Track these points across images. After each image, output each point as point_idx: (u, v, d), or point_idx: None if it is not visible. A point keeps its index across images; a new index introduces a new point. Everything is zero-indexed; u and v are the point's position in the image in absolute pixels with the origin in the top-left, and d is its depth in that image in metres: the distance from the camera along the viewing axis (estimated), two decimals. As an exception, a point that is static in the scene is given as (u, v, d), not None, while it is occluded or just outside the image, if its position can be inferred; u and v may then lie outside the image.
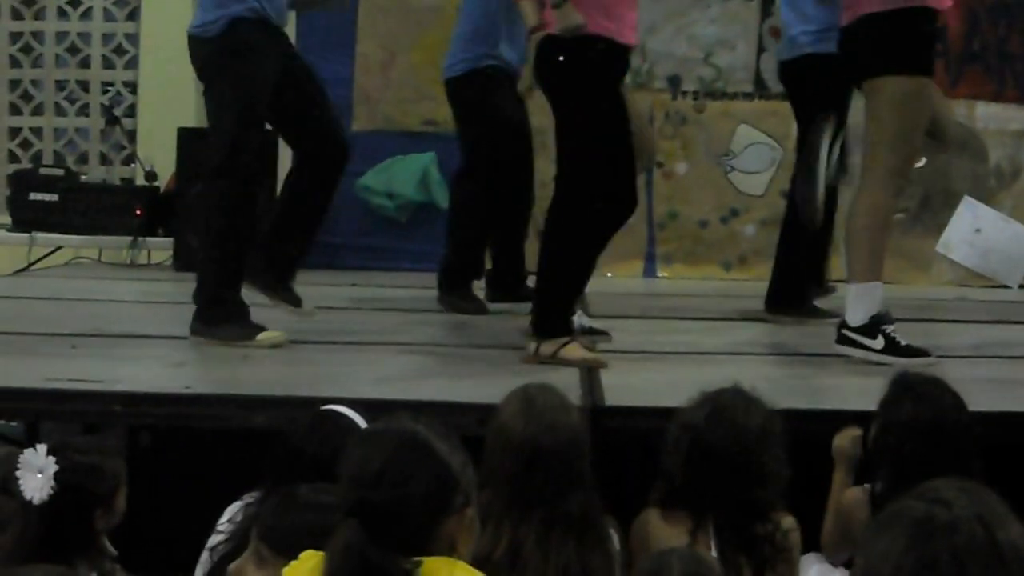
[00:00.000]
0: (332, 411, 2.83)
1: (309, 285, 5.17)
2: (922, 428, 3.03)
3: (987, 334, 5.71)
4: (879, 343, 4.49)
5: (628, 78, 7.32)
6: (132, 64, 8.91)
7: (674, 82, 7.99)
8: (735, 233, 7.90)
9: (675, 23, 7.96)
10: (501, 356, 4.67)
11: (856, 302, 4.54)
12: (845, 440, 3.33)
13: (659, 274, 7.90)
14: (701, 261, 7.81)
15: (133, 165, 8.59)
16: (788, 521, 3.01)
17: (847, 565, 3.18)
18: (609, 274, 7.44)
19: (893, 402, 3.15)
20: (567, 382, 3.83)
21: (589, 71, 4.38)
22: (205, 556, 2.82)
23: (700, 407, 3.02)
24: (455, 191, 6.34)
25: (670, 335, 5.40)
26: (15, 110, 9.11)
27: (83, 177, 8.44)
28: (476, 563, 2.21)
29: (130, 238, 7.82)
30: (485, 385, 3.98)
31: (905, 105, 4.50)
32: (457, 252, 6.08)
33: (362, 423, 2.73)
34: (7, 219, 8.14)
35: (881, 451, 3.12)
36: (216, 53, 4.64)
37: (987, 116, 8.00)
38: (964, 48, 8.00)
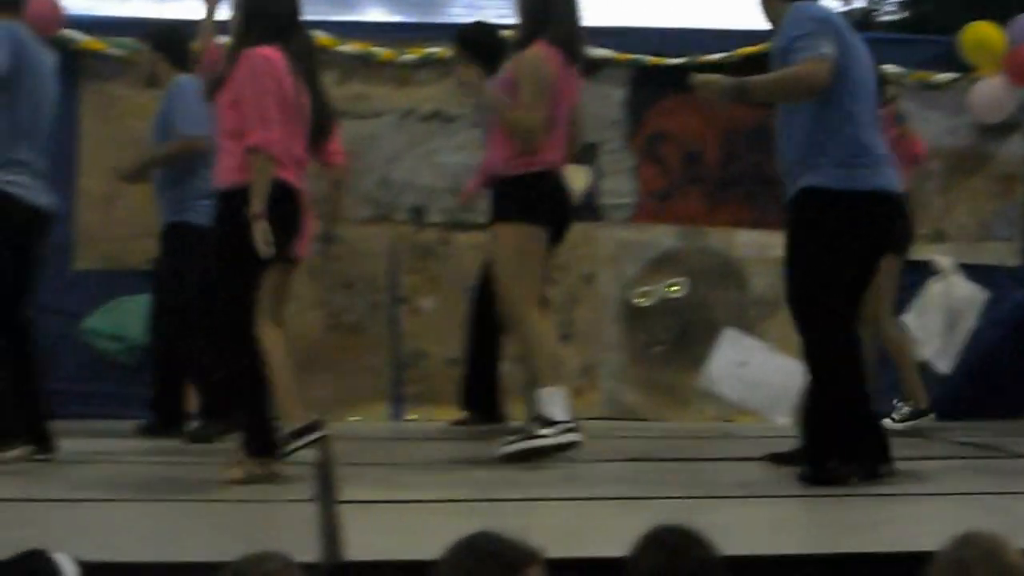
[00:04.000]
0: (41, 555, 2.63)
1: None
2: None
3: (755, 472, 5.49)
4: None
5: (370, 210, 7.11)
6: None
7: (418, 213, 7.71)
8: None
9: (418, 150, 7.70)
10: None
11: None
12: None
13: (407, 416, 7.50)
14: (452, 402, 6.95)
15: None
16: None
17: None
18: (353, 418, 7.10)
19: (639, 554, 2.88)
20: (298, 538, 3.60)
21: None
22: None
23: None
24: None
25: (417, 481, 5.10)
26: None
27: None
28: None
29: None
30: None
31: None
32: None
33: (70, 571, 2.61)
34: None
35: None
36: None
37: (747, 243, 7.78)
38: (722, 175, 7.87)
